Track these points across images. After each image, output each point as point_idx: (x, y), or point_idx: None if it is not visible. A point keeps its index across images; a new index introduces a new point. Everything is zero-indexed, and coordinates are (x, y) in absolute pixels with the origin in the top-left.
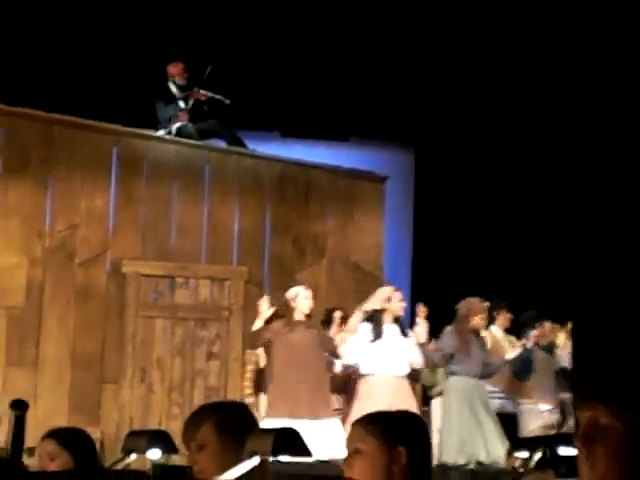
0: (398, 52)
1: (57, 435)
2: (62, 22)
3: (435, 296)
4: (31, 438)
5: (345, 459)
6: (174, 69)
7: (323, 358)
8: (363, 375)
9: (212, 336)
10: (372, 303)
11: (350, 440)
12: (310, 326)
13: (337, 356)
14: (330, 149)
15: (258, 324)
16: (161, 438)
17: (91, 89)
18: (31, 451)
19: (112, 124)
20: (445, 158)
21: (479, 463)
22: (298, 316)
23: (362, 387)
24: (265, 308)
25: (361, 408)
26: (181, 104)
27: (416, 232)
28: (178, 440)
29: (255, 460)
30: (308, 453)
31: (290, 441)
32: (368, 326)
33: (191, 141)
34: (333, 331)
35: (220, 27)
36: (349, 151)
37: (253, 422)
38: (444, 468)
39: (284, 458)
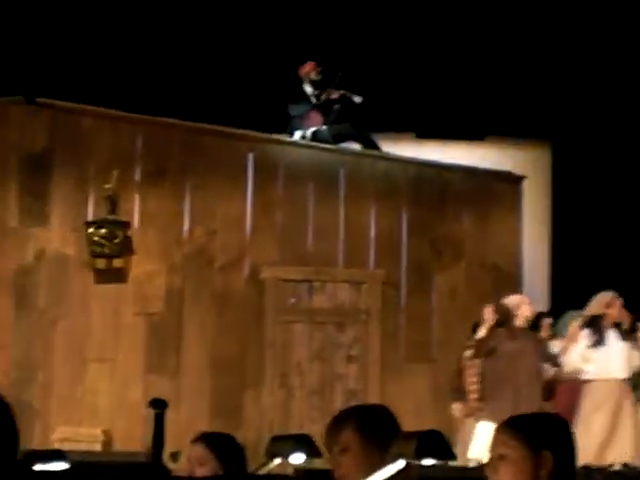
0: (534, 49)
1: (207, 439)
2: (195, 30)
3: (575, 296)
4: (174, 443)
5: (489, 464)
6: (307, 67)
7: (539, 365)
8: (586, 381)
9: (350, 340)
10: (592, 308)
11: (494, 445)
12: (529, 334)
13: (556, 364)
14: (465, 149)
15: (482, 332)
16: (304, 442)
17: (225, 96)
18: (175, 456)
19: (247, 130)
20: (583, 155)
21: None
22: (519, 324)
23: (587, 392)
24: (490, 316)
25: (587, 413)
26: (313, 100)
27: (554, 231)
28: (319, 444)
29: (400, 464)
30: (452, 456)
31: (434, 444)
32: (588, 332)
33: (326, 145)
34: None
35: (353, 29)
36: (485, 151)
37: (396, 425)
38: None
39: (428, 461)
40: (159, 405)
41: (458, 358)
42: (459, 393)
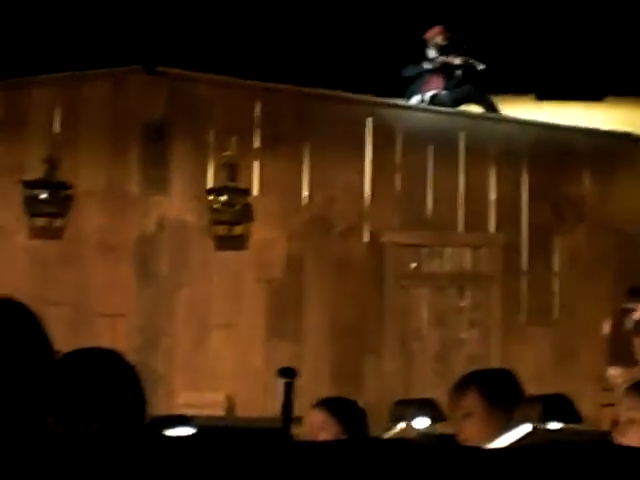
0: None
1: (328, 405)
2: None
3: None
4: (295, 408)
5: (618, 427)
6: (434, 30)
7: None
8: None
9: (471, 304)
10: None
11: (624, 408)
12: None
13: None
14: (584, 110)
15: None
16: (428, 406)
17: (343, 61)
18: (299, 421)
19: (365, 95)
20: None
21: None
22: None
23: None
24: None
25: None
26: (433, 65)
27: None
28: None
29: (526, 427)
30: (578, 420)
31: (560, 408)
32: None
33: (444, 109)
34: None
35: None
36: (604, 111)
37: (520, 389)
38: None
39: (554, 425)
40: (288, 374)
41: (613, 321)
42: (618, 358)
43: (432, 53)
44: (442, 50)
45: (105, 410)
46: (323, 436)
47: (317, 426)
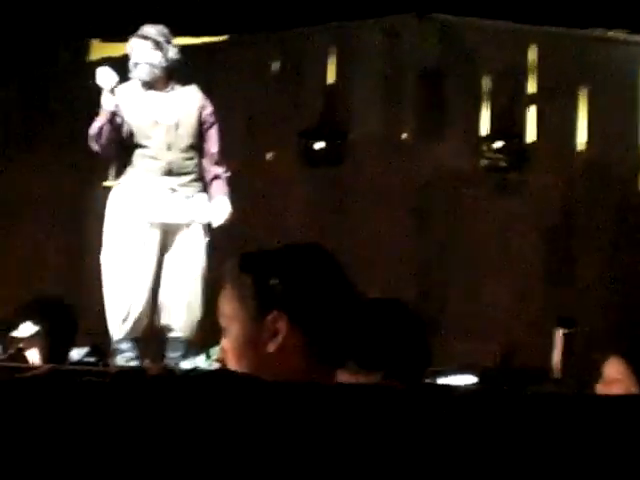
0: None
1: (625, 355)
2: None
3: None
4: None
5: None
6: None
7: None
8: None
9: None
10: None
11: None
12: None
13: None
14: None
15: None
16: None
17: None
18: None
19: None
20: None
21: None
22: None
23: None
24: None
25: None
26: None
27: None
28: None
29: None
30: None
31: None
32: None
33: None
34: None
35: None
36: None
37: None
38: None
39: None
40: (568, 324)
41: None
42: None
43: None
44: None
45: (392, 359)
46: (616, 389)
47: (608, 378)
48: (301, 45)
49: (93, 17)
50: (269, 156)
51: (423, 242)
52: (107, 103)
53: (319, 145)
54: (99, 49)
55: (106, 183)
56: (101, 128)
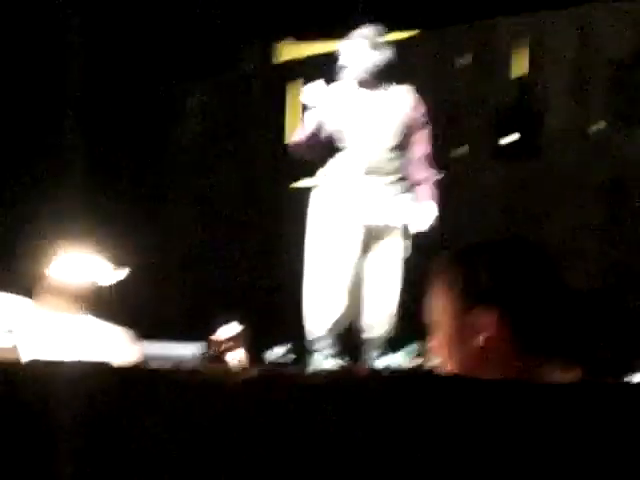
0: None
1: None
2: None
3: None
4: None
5: None
6: None
7: None
8: None
9: None
10: None
11: None
12: None
13: None
14: None
15: None
16: None
17: None
18: None
19: None
20: None
21: None
22: None
23: None
24: None
25: None
26: None
27: None
28: None
29: None
30: None
31: None
32: None
33: None
34: None
35: None
36: None
37: None
38: None
39: None
40: None
41: None
42: None
43: None
44: None
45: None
46: None
47: None
48: (490, 37)
49: (283, 17)
50: (461, 151)
51: (617, 236)
52: (310, 121)
53: (512, 138)
54: (287, 50)
55: (298, 184)
56: (302, 142)
